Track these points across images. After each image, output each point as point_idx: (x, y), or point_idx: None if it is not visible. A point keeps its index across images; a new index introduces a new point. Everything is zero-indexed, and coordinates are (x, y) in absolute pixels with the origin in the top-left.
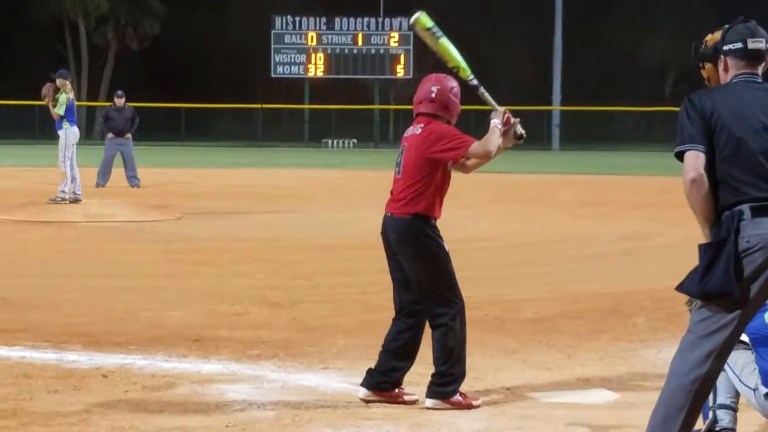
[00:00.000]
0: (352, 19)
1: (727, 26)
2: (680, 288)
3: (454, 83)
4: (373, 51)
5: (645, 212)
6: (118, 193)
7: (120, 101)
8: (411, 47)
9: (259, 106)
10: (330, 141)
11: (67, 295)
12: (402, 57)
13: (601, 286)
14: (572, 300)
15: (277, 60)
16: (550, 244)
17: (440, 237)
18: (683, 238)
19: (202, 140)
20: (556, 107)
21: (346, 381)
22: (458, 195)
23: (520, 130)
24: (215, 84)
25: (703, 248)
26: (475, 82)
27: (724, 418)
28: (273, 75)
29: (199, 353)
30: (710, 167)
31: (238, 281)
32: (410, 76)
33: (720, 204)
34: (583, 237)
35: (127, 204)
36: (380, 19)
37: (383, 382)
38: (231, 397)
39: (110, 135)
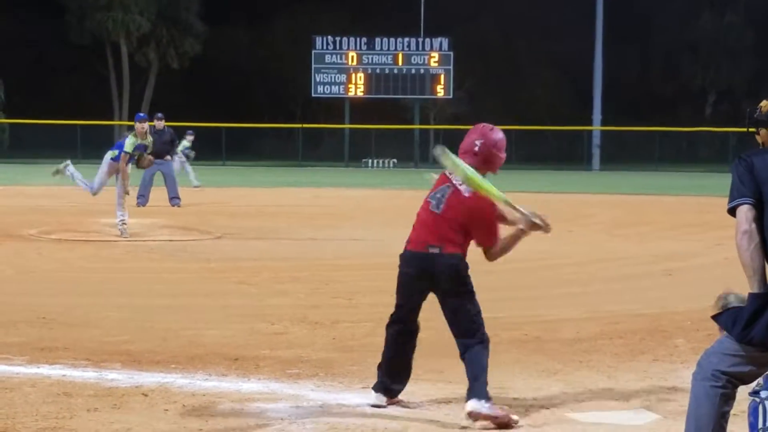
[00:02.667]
0: (392, 39)
1: None
2: (719, 320)
3: (499, 135)
4: (413, 71)
5: (685, 232)
6: (159, 212)
7: (160, 124)
8: (451, 67)
9: (299, 125)
10: (370, 161)
11: (107, 314)
12: (442, 77)
13: (641, 306)
14: (612, 320)
15: (318, 80)
16: (589, 264)
17: None
18: (723, 258)
19: (243, 160)
20: (597, 127)
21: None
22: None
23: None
24: (255, 103)
25: (752, 297)
26: (507, 202)
27: None
28: (313, 95)
29: (238, 372)
30: (761, 221)
31: (278, 300)
32: (450, 96)
33: None
34: (623, 257)
35: (166, 223)
36: (420, 39)
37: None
38: (271, 416)
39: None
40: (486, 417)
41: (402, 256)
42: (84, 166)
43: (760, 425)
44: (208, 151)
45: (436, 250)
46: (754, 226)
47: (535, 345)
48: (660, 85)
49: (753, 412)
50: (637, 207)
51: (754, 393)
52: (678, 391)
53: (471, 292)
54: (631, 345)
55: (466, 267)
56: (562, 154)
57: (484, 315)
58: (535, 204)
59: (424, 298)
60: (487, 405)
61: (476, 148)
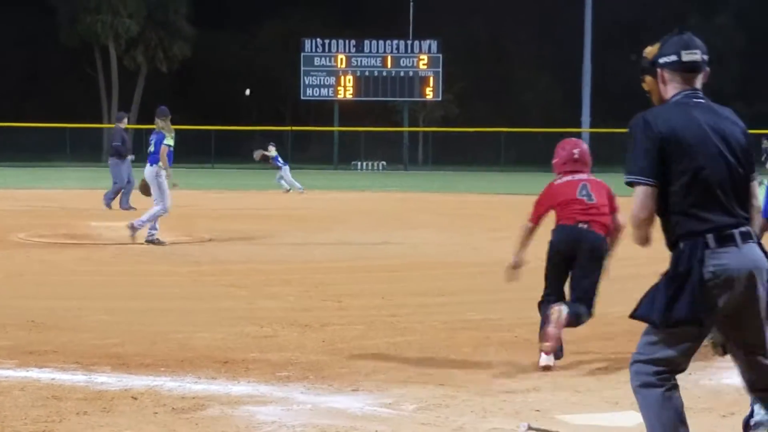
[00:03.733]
0: (381, 42)
1: (665, 37)
2: (636, 316)
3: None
4: (402, 73)
5: None
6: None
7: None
8: (440, 69)
9: (288, 128)
10: (359, 163)
11: (96, 317)
12: (431, 79)
13: (630, 308)
14: (603, 322)
15: (307, 82)
16: None
17: None
18: None
19: (232, 162)
20: (586, 129)
21: (376, 403)
22: (490, 218)
23: None
24: (245, 106)
25: (667, 279)
26: None
27: (759, 412)
28: (302, 97)
29: (228, 375)
30: (663, 194)
31: (268, 303)
32: (439, 98)
33: (677, 232)
34: (615, 258)
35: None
36: (409, 42)
37: None
38: (260, 419)
39: (131, 157)
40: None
41: (553, 231)
42: (72, 169)
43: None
44: (197, 154)
45: (584, 226)
46: (653, 211)
47: (525, 346)
48: None
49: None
50: (628, 208)
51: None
52: None
53: (601, 269)
54: (621, 347)
55: (607, 248)
56: (551, 155)
57: (474, 316)
58: (525, 207)
59: (569, 267)
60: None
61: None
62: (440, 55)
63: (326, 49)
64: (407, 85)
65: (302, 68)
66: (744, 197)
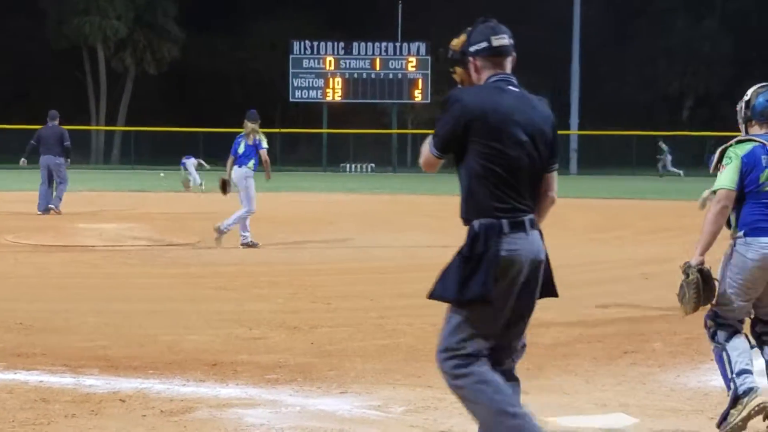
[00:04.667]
0: (369, 44)
1: (469, 28)
2: (433, 296)
3: None
4: (390, 76)
5: (662, 237)
6: (136, 217)
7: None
8: (429, 72)
9: (277, 130)
10: (348, 165)
11: (84, 320)
12: (420, 81)
13: (619, 310)
14: (590, 324)
15: (295, 84)
16: (567, 269)
17: None
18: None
19: (221, 164)
20: (574, 131)
21: (364, 405)
22: None
23: None
24: (233, 108)
25: (462, 258)
26: None
27: (744, 381)
28: (291, 99)
29: (217, 377)
30: (466, 169)
31: (257, 305)
32: (428, 101)
33: (474, 210)
34: (600, 261)
35: (145, 228)
36: (398, 44)
37: None
38: (249, 421)
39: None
40: None
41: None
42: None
43: (730, 374)
44: (185, 155)
45: None
46: (433, 170)
47: None
48: (637, 90)
49: (719, 360)
50: (615, 211)
51: (712, 337)
52: (656, 394)
53: None
54: (609, 349)
55: None
56: None
57: None
58: None
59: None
60: None
61: None
62: (429, 57)
63: (315, 51)
64: (396, 87)
65: (291, 70)
66: (536, 186)
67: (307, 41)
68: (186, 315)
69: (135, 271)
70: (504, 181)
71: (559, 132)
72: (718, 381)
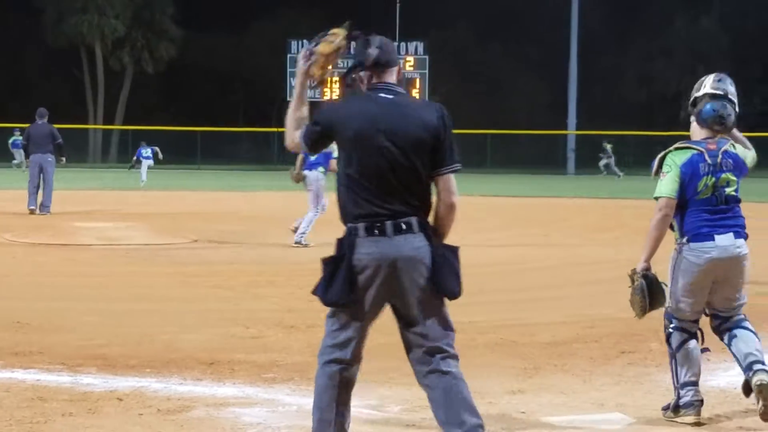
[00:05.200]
0: None
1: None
2: (313, 292)
3: None
4: None
5: None
6: (134, 216)
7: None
8: (427, 71)
9: (274, 129)
10: None
11: (82, 318)
12: (417, 81)
13: (616, 310)
14: (587, 324)
15: (293, 84)
16: (564, 268)
17: None
18: None
19: (218, 163)
20: (572, 132)
21: (361, 404)
22: (473, 219)
23: None
24: (231, 107)
25: (325, 262)
26: None
27: (686, 394)
28: (289, 99)
29: (213, 376)
30: (338, 176)
31: (254, 304)
32: (426, 100)
33: (341, 214)
34: (598, 261)
35: (142, 227)
36: (396, 43)
37: None
38: (246, 420)
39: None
40: None
41: None
42: (58, 170)
43: (676, 383)
44: (183, 154)
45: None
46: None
47: (510, 349)
48: (635, 89)
49: (670, 363)
50: (613, 211)
51: (667, 340)
52: (653, 394)
53: None
54: (606, 349)
55: None
56: (537, 158)
57: (460, 318)
58: (511, 208)
59: None
60: None
61: None
62: (426, 57)
63: None
64: None
65: (288, 69)
66: (424, 191)
67: (304, 40)
68: (183, 314)
69: (132, 270)
70: (363, 187)
71: (556, 132)
72: (715, 381)
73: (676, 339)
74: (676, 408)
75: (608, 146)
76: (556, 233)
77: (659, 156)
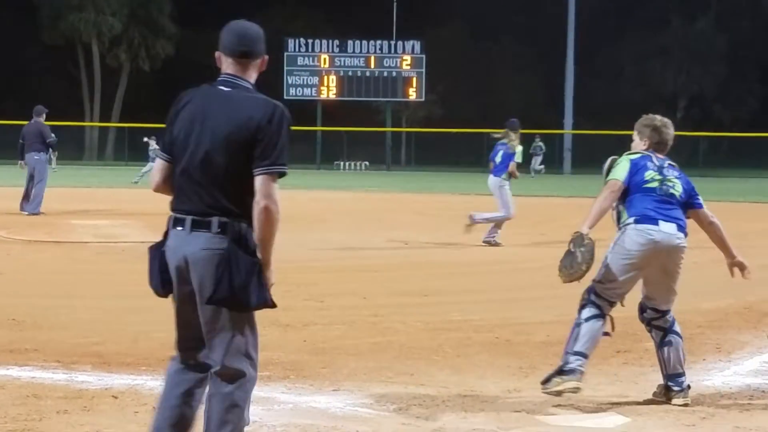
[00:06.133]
0: (364, 42)
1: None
2: None
3: None
4: (385, 74)
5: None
6: (130, 213)
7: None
8: (423, 70)
9: None
10: (342, 163)
11: (77, 316)
12: (414, 80)
13: (612, 310)
14: None
15: (290, 82)
16: None
17: None
18: (693, 263)
19: None
20: (568, 131)
21: (357, 403)
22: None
23: None
24: None
25: (149, 248)
26: None
27: (574, 362)
28: (285, 97)
29: None
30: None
31: None
32: (422, 99)
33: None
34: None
35: (138, 225)
36: (393, 42)
37: None
38: None
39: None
40: None
41: None
42: (54, 167)
43: (569, 348)
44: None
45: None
46: (161, 182)
47: (506, 348)
48: (631, 89)
49: (571, 332)
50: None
51: (579, 310)
52: (648, 393)
53: None
54: (601, 348)
55: None
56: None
57: (456, 317)
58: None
59: None
60: None
61: None
62: (423, 56)
63: (309, 49)
64: (390, 85)
65: (285, 68)
66: (227, 188)
67: (301, 39)
68: None
69: (128, 267)
70: (179, 180)
71: (553, 131)
72: (710, 381)
73: (588, 312)
74: (559, 371)
75: (542, 144)
76: (552, 232)
77: (610, 158)
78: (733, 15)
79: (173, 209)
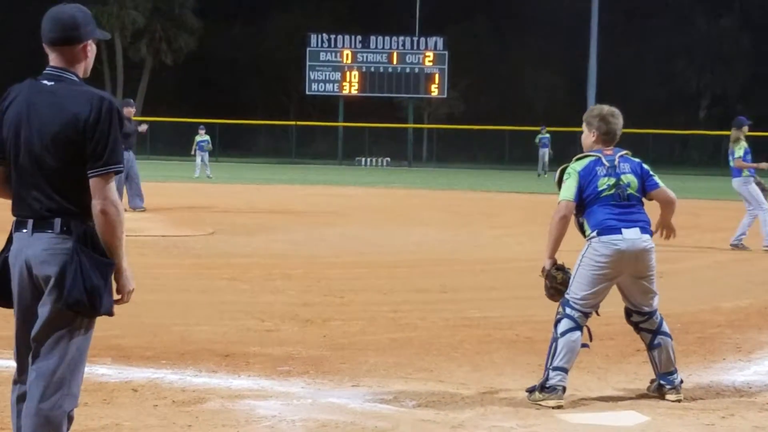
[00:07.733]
0: (387, 38)
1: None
2: None
3: None
4: (407, 70)
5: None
6: (151, 207)
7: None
8: (446, 67)
9: (293, 123)
10: (363, 159)
11: None
12: (436, 76)
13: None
14: (603, 322)
15: (312, 77)
16: None
17: None
18: (714, 261)
19: (236, 156)
20: None
21: (376, 399)
22: (492, 215)
23: None
24: (250, 100)
25: None
26: None
27: (554, 377)
28: (307, 92)
29: (229, 369)
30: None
31: (270, 297)
32: (444, 95)
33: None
34: None
35: (159, 219)
36: (415, 38)
37: None
38: (260, 413)
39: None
40: None
41: None
42: None
43: (549, 364)
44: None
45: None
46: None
47: (526, 345)
48: (654, 88)
49: (549, 347)
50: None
51: (555, 324)
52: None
53: None
54: (621, 347)
55: None
56: (555, 154)
57: (476, 314)
58: (529, 205)
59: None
60: None
61: None
62: (446, 52)
63: (332, 45)
64: (413, 81)
65: (308, 63)
66: (64, 189)
67: (324, 34)
68: (199, 306)
69: (148, 261)
70: (17, 183)
71: (575, 129)
72: (730, 380)
73: (564, 325)
74: (541, 388)
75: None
76: (573, 230)
77: (560, 168)
78: (758, 14)
79: (15, 213)
